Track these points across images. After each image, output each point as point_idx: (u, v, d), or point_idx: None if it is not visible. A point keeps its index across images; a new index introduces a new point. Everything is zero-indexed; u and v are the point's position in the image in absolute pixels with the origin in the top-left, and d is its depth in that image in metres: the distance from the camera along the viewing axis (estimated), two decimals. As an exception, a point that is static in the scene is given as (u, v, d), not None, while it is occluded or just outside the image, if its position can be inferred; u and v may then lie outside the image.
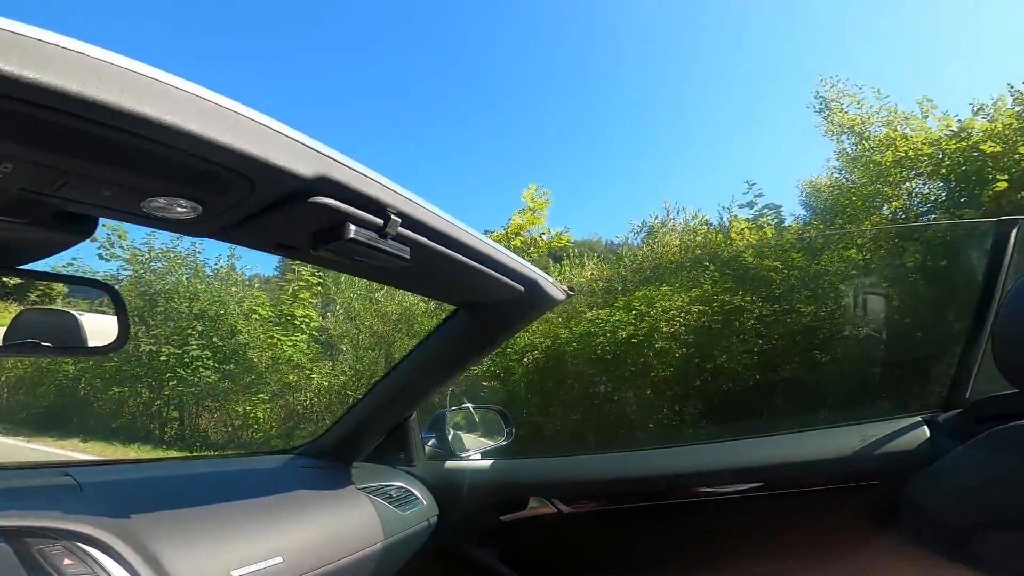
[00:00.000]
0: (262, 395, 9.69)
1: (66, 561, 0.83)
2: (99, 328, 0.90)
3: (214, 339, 10.28)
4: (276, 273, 13.36)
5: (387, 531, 1.33)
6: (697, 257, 8.13)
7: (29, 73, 0.38)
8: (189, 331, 10.12)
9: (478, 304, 1.21)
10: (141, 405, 11.59)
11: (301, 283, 10.08)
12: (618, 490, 1.53)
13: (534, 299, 1.15)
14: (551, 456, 1.79)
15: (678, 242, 9.31)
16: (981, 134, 6.61)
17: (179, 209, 0.60)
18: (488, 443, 1.82)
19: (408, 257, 0.74)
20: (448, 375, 1.54)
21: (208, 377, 10.15)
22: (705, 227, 9.61)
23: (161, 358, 10.03)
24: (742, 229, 8.29)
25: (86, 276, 0.97)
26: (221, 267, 11.22)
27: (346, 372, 9.76)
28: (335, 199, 0.63)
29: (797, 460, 1.36)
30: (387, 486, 1.47)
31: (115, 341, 0.87)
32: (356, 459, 1.55)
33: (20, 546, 0.82)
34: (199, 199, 0.59)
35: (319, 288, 10.44)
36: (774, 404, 6.50)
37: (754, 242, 7.45)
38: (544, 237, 9.16)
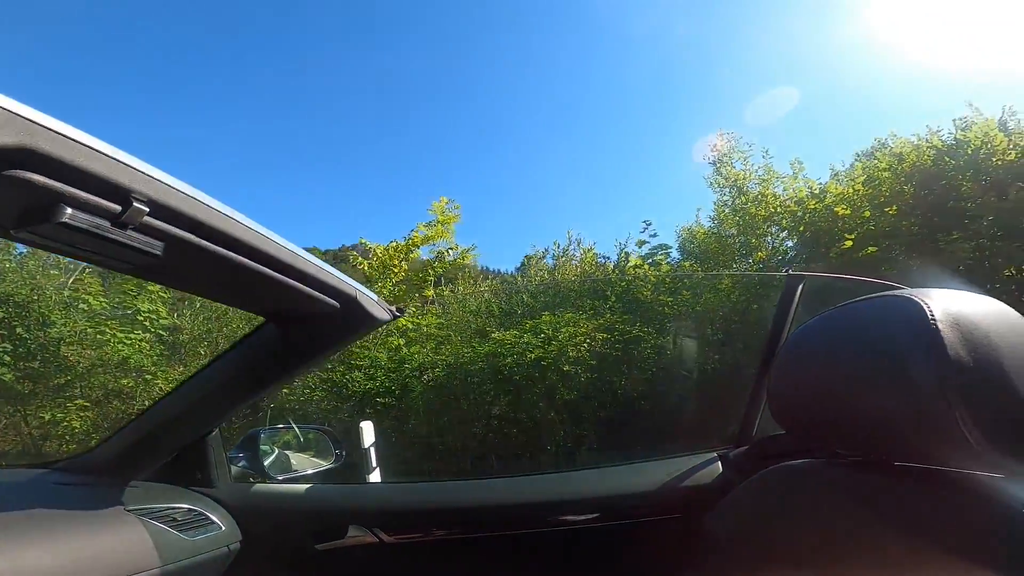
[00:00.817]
0: (81, 401, 7.82)
1: None
2: None
3: (18, 329, 8.13)
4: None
5: (165, 556, 1.20)
6: (597, 287, 8.45)
7: None
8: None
9: (286, 318, 1.10)
10: None
11: (153, 273, 8.39)
12: (443, 520, 1.48)
13: (351, 317, 1.06)
14: (383, 482, 1.71)
15: (578, 271, 9.62)
16: (834, 197, 7.82)
17: None
18: (319, 463, 1.73)
19: (160, 253, 0.65)
20: (252, 393, 1.42)
21: (5, 375, 7.96)
22: (605, 260, 10.09)
23: (-66, 349, 7.65)
24: (638, 264, 8.80)
25: None
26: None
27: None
28: (43, 175, 0.54)
29: (614, 493, 1.41)
30: (170, 508, 1.34)
31: None
32: (135, 477, 1.40)
33: None
34: None
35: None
36: (660, 430, 6.91)
37: (651, 277, 7.92)
38: (451, 252, 8.83)
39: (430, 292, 8.39)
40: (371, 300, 1.08)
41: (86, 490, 1.30)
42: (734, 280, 7.75)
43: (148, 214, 0.61)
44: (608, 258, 10.23)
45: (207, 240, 0.71)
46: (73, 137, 0.55)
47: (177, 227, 0.67)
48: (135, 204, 0.60)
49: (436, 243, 8.74)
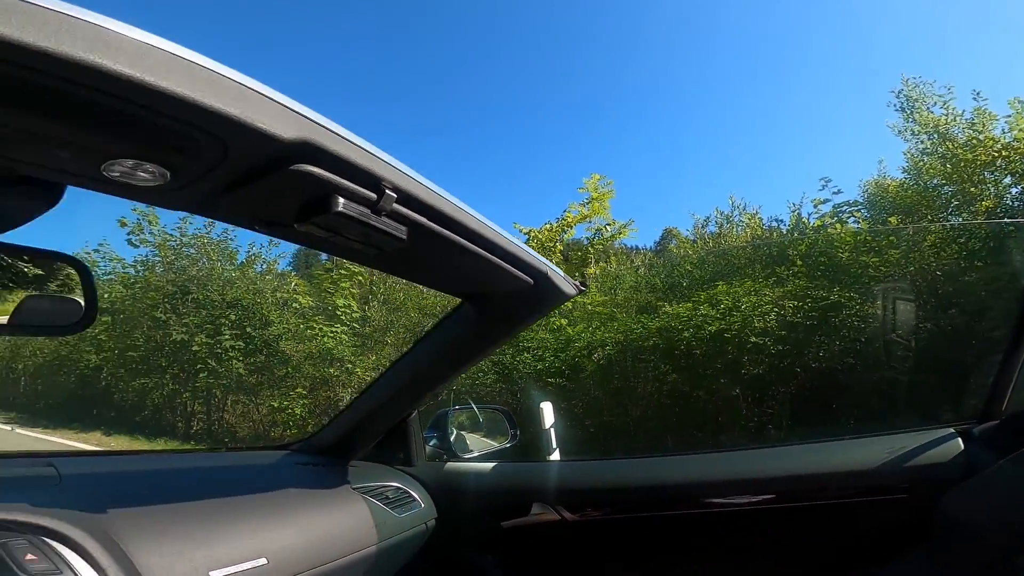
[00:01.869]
0: (300, 389, 9.13)
1: (28, 556, 0.82)
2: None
3: (247, 329, 9.77)
4: (290, 266, 12.95)
5: (381, 534, 1.28)
6: (778, 251, 7.60)
7: None
8: (222, 320, 9.60)
9: (484, 296, 1.14)
10: (164, 398, 11.12)
11: (342, 271, 9.53)
12: (626, 499, 1.44)
13: (543, 293, 1.08)
14: (565, 460, 1.82)
15: (748, 237, 8.80)
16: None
17: (143, 175, 0.55)
18: (493, 444, 1.76)
19: (405, 237, 0.67)
20: (452, 371, 1.49)
21: (239, 369, 9.64)
22: (775, 224, 9.10)
23: (193, 348, 9.49)
24: (819, 226, 7.74)
25: (49, 250, 0.83)
26: (254, 253, 10.77)
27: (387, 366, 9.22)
28: (321, 168, 0.56)
29: (819, 471, 1.30)
30: (383, 487, 1.43)
31: (81, 319, 0.81)
32: (354, 457, 1.50)
33: None
34: (167, 164, 0.54)
35: (360, 277, 9.93)
36: (869, 406, 5.98)
37: (845, 237, 6.89)
38: (608, 229, 8.63)
39: (593, 270, 8.28)
40: (559, 275, 1.08)
41: (319, 470, 1.41)
42: (947, 234, 6.44)
43: (396, 200, 0.64)
44: (780, 221, 9.18)
45: (436, 223, 0.74)
46: (338, 132, 0.58)
47: (419, 213, 0.70)
48: (387, 192, 0.62)
49: (592, 220, 8.61)
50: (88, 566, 0.84)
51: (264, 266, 10.79)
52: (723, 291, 6.63)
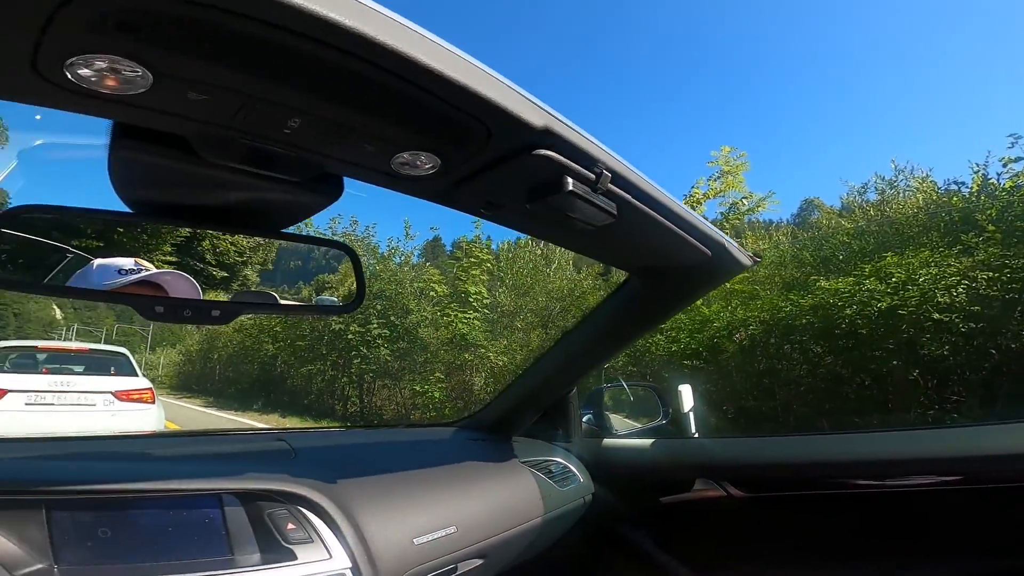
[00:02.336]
0: (438, 374, 9.78)
1: (289, 526, 0.90)
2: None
3: (391, 317, 10.68)
4: (420, 258, 13.74)
5: (547, 506, 1.33)
6: (961, 217, 6.48)
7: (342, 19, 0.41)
8: (371, 310, 10.61)
9: (655, 270, 1.14)
10: (325, 382, 12.59)
11: (471, 259, 10.03)
12: (799, 475, 1.39)
13: (719, 265, 1.05)
14: (722, 437, 1.62)
15: (920, 203, 7.61)
16: None
17: (422, 163, 0.62)
18: (643, 423, 1.76)
19: (616, 213, 0.73)
20: (618, 346, 1.51)
21: (385, 355, 10.57)
22: (953, 187, 7.75)
23: (348, 337, 10.62)
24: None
25: (329, 238, 0.82)
26: (393, 246, 11.72)
27: (519, 350, 9.51)
28: (556, 152, 0.62)
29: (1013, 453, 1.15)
30: (547, 461, 1.47)
31: (354, 300, 0.86)
32: (515, 433, 1.54)
33: (252, 510, 0.90)
34: (440, 151, 0.60)
35: (488, 264, 10.36)
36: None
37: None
38: (745, 202, 8.02)
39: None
40: (734, 246, 1.06)
41: (488, 445, 1.46)
42: None
43: (610, 180, 0.68)
44: (961, 184, 7.79)
45: (638, 199, 0.76)
46: (564, 119, 0.61)
47: (625, 191, 0.73)
48: (603, 172, 0.67)
49: (725, 195, 8.07)
50: (331, 533, 0.92)
51: (402, 258, 11.72)
52: (893, 263, 5.80)
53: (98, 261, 0.72)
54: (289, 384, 13.87)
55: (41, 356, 6.07)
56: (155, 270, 0.74)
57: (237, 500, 0.89)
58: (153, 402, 5.60)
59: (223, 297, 0.99)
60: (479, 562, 1.14)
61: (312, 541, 0.89)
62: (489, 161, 0.64)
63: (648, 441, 1.59)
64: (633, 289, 1.24)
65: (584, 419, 1.66)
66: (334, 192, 0.68)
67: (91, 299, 0.66)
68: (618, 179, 0.70)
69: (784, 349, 6.42)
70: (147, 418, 5.44)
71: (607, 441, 1.63)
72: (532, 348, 9.41)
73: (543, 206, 0.70)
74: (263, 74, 0.46)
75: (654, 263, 1.12)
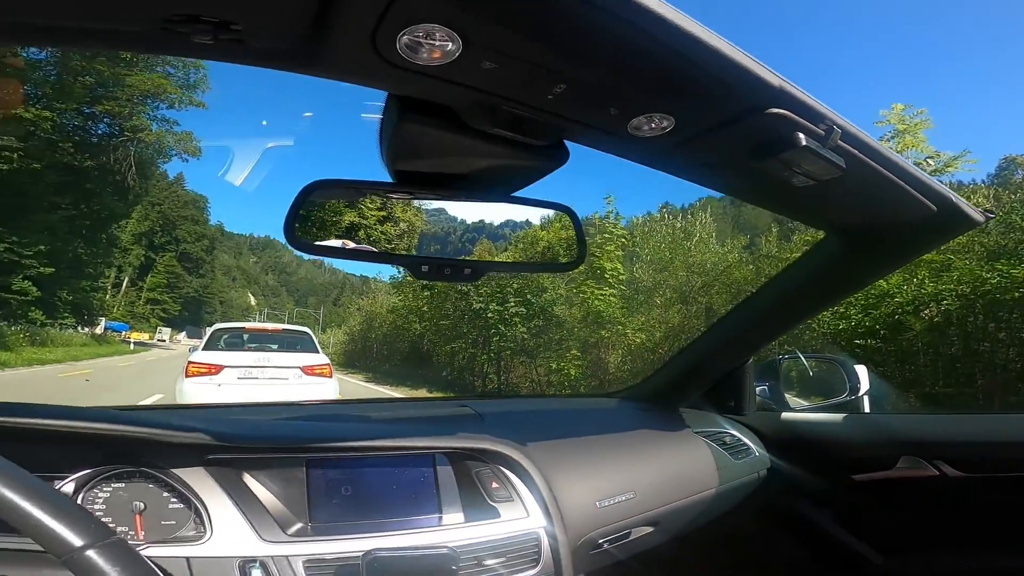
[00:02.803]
0: (574, 351, 9.87)
1: (494, 484, 0.93)
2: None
3: (528, 296, 11.00)
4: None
5: (722, 477, 1.31)
6: None
7: None
8: (507, 289, 11.03)
9: (867, 229, 1.03)
10: (466, 360, 13.40)
11: (606, 235, 9.91)
12: None
13: (944, 221, 0.94)
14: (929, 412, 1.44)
15: None
16: None
17: (656, 124, 0.63)
18: (824, 398, 1.62)
19: (843, 166, 0.71)
20: (803, 314, 1.46)
21: (523, 333, 10.94)
22: None
23: (487, 315, 11.18)
24: None
25: (552, 201, 0.89)
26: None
27: (657, 327, 9.20)
28: (790, 110, 0.62)
29: None
30: (721, 432, 1.44)
31: (576, 259, 0.88)
32: (682, 405, 1.50)
33: (460, 468, 0.94)
34: (677, 112, 0.61)
35: (623, 240, 10.16)
36: None
37: None
38: (930, 162, 6.83)
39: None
40: (963, 201, 0.96)
41: (658, 415, 1.43)
42: None
43: (840, 136, 0.67)
44: None
45: (864, 154, 0.74)
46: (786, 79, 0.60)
47: (850, 145, 0.71)
48: (834, 128, 0.65)
49: (904, 155, 6.93)
50: (528, 492, 0.94)
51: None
52: None
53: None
54: (435, 361, 15.01)
55: (246, 336, 7.18)
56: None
57: (447, 459, 0.94)
58: (331, 376, 6.28)
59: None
60: (650, 530, 1.16)
61: (513, 500, 0.93)
62: (721, 121, 0.65)
63: (838, 416, 1.51)
64: (832, 251, 1.16)
65: (758, 392, 1.59)
66: (563, 157, 0.71)
67: (376, 261, 0.74)
68: (846, 135, 0.70)
69: (988, 328, 5.37)
70: (327, 391, 6.04)
71: (787, 415, 1.57)
72: (672, 325, 9.05)
73: (772, 163, 0.71)
74: (553, 42, 0.48)
75: (870, 220, 1.04)
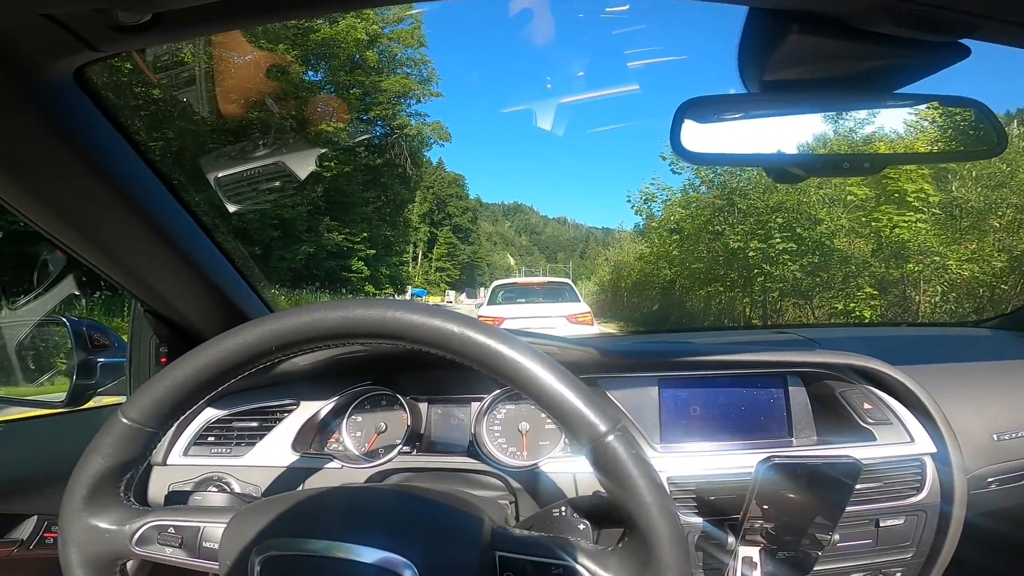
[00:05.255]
0: (868, 289, 8.15)
1: (865, 405, 0.86)
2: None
3: (797, 230, 9.47)
4: None
5: None
6: None
7: None
8: (771, 224, 9.70)
9: None
10: (724, 304, 12.43)
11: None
12: None
13: None
14: None
15: None
16: None
17: None
18: None
19: None
20: None
21: (794, 272, 9.52)
22: None
23: (749, 254, 10.07)
24: None
25: (954, 95, 0.55)
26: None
27: (995, 255, 6.90)
28: None
29: None
30: None
31: (996, 145, 0.69)
32: None
33: (817, 388, 0.90)
34: None
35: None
36: None
37: None
38: None
39: None
40: None
41: None
42: None
43: None
44: None
45: None
46: None
47: None
48: None
49: None
50: (910, 415, 0.87)
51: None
52: None
53: None
54: (689, 307, 14.39)
55: (518, 290, 8.15)
56: None
57: (800, 380, 0.90)
58: (592, 324, 6.64)
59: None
60: None
61: (891, 423, 0.86)
62: None
63: None
64: None
65: None
66: (963, 53, 0.59)
67: (768, 164, 0.70)
68: None
69: None
70: None
71: None
72: (1021, 251, 6.66)
73: None
74: None
75: None
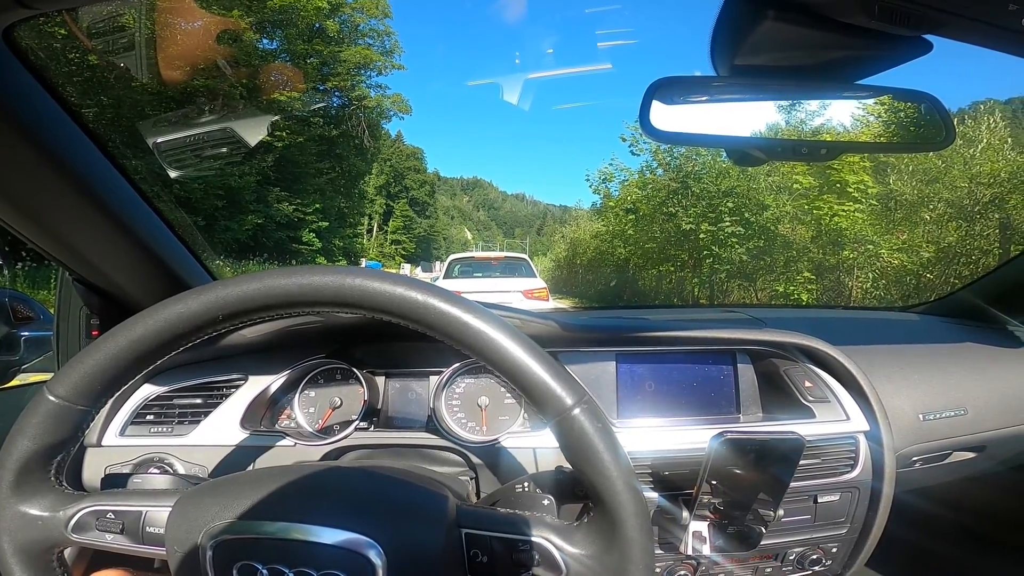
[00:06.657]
0: (807, 274, 8.61)
1: (806, 383, 0.89)
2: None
3: (745, 215, 9.87)
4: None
5: None
6: None
7: None
8: (722, 208, 10.04)
9: None
10: (674, 283, 12.84)
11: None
12: None
13: None
14: None
15: None
16: None
17: None
18: None
19: None
20: None
21: (741, 255, 9.94)
22: None
23: (700, 236, 10.41)
24: None
25: (908, 88, 0.59)
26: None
27: (925, 245, 7.40)
28: None
29: None
30: None
31: (945, 138, 0.70)
32: (1013, 320, 1.27)
33: (763, 367, 0.92)
34: None
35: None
36: None
37: None
38: None
39: None
40: None
41: (985, 330, 1.23)
42: None
43: None
44: None
45: None
46: None
47: None
48: None
49: None
50: (847, 394, 0.89)
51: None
52: None
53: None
54: (641, 286, 14.79)
55: (474, 264, 8.13)
56: None
57: (748, 358, 0.92)
58: (548, 299, 6.75)
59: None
60: (972, 455, 1.04)
61: (828, 400, 0.88)
62: None
63: None
64: None
65: None
66: (925, 49, 0.60)
67: (731, 146, 0.70)
68: None
69: None
70: None
71: None
72: (947, 244, 7.18)
73: None
74: None
75: None
